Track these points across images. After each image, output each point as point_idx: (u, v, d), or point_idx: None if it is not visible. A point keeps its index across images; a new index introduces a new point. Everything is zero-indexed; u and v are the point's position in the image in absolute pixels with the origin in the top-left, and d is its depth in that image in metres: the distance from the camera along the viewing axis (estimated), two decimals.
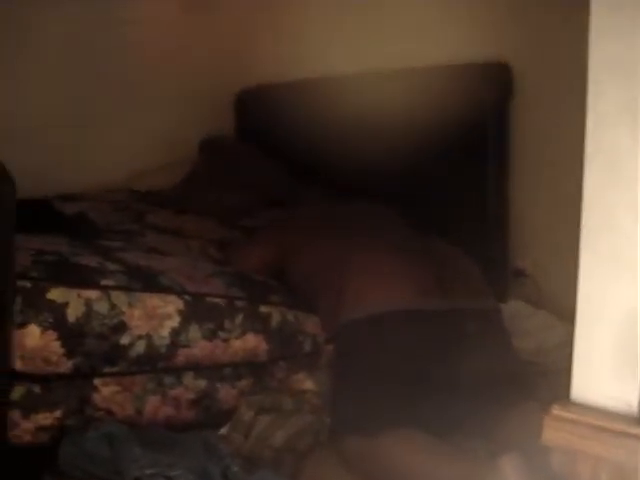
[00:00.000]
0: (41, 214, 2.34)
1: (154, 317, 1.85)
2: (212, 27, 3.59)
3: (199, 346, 1.90)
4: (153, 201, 3.13)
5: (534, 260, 2.61)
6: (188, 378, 1.92)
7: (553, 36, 2.51)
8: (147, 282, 1.91)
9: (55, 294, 1.75)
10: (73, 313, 1.75)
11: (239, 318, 1.97)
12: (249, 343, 1.98)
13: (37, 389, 1.75)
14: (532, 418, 1.36)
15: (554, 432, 0.88)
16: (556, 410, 0.90)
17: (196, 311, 1.91)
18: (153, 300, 1.87)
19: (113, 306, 1.80)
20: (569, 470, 0.90)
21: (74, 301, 1.76)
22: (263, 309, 2.04)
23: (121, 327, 1.80)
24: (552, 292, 2.46)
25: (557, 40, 2.48)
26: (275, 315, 2.05)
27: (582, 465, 0.87)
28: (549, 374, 2.10)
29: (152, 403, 1.88)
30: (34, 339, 1.71)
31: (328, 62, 3.21)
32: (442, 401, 1.79)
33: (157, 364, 1.87)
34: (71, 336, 1.74)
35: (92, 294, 1.79)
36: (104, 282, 1.84)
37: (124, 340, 1.81)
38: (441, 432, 1.74)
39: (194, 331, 1.89)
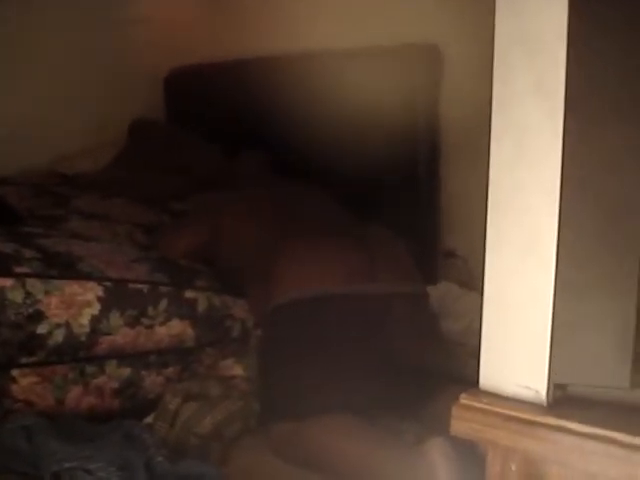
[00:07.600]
0: None
1: (73, 305, 1.79)
2: (145, 8, 3.50)
3: (121, 333, 1.85)
4: (79, 185, 3.03)
5: (465, 241, 2.60)
6: (111, 367, 1.87)
7: (485, 17, 2.48)
8: (65, 269, 1.85)
9: None
10: None
11: (163, 304, 1.92)
12: (174, 329, 1.94)
13: None
14: None
15: (463, 422, 0.86)
16: (464, 399, 0.88)
17: (117, 298, 1.86)
18: (71, 287, 1.80)
19: (28, 294, 1.73)
20: None
21: None
22: (189, 294, 1.99)
23: (38, 316, 1.74)
24: (483, 273, 2.45)
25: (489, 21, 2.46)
26: (201, 300, 2.01)
27: (492, 455, 0.85)
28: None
29: (74, 393, 1.82)
30: None
31: (260, 43, 3.15)
32: (370, 384, 1.77)
33: (78, 353, 1.81)
34: None
35: (6, 282, 1.72)
36: (19, 270, 1.77)
37: (41, 329, 1.74)
38: (369, 415, 1.72)
39: (115, 318, 1.84)
